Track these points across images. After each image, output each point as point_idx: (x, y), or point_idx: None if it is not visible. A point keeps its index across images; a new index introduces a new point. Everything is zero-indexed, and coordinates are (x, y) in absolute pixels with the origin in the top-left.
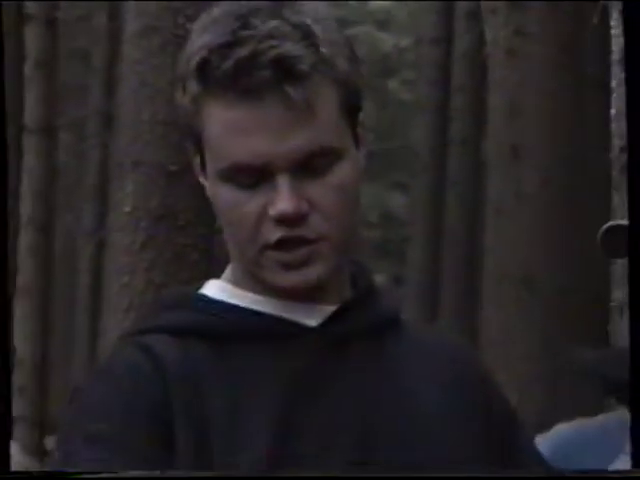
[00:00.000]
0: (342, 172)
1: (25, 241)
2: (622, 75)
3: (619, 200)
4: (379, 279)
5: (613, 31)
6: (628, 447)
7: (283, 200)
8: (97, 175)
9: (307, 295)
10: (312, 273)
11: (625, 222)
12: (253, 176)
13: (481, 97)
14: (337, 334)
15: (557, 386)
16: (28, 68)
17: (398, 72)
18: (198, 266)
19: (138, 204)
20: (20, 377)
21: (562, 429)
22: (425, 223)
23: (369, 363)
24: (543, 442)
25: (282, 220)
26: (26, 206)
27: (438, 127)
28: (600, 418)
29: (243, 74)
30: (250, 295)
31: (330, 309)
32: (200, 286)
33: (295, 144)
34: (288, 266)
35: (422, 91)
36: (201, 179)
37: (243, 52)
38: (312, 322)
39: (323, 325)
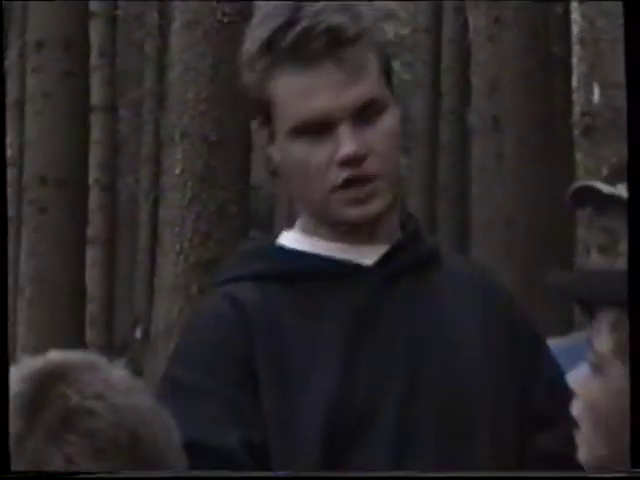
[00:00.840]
0: (389, 120)
1: (93, 199)
2: (581, 53)
3: (580, 156)
4: None
5: (573, 16)
6: (589, 355)
7: (346, 145)
8: (152, 145)
9: (368, 230)
10: (373, 207)
11: (587, 183)
12: (318, 130)
13: (466, 76)
14: (389, 271)
15: (534, 307)
16: (94, 57)
17: (399, 56)
18: (236, 218)
19: (186, 167)
20: (91, 311)
21: (552, 343)
22: (422, 179)
23: (418, 297)
24: None
25: (347, 162)
26: (94, 171)
27: (432, 101)
28: (572, 335)
29: (302, 46)
30: (318, 242)
31: (384, 249)
32: (276, 238)
33: (351, 97)
34: (353, 202)
35: (418, 71)
36: (268, 150)
37: (299, 28)
38: (369, 261)
39: (379, 264)
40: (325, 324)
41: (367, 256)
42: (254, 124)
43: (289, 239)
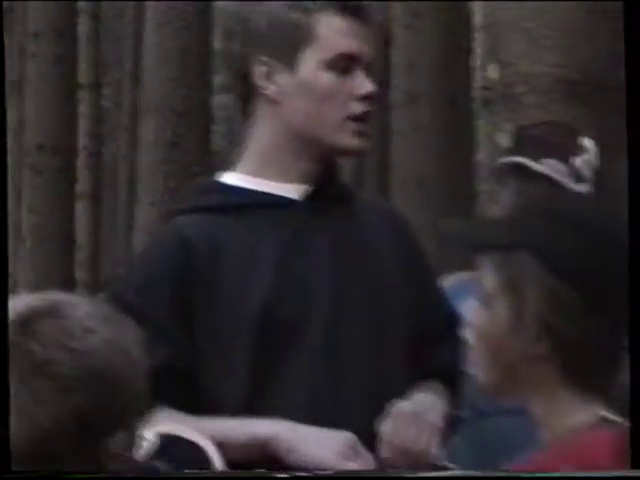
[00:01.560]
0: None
1: (82, 162)
2: (481, 37)
3: (481, 123)
4: None
5: (476, 7)
6: (477, 291)
7: (368, 84)
8: (130, 117)
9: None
10: (366, 144)
11: (516, 159)
12: (344, 67)
13: (388, 58)
14: (317, 204)
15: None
16: (81, 45)
17: None
18: (199, 177)
19: (158, 135)
20: (79, 256)
21: (448, 281)
22: None
23: (341, 227)
24: None
25: (368, 97)
26: (82, 139)
27: None
28: (458, 275)
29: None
30: (259, 181)
31: (313, 187)
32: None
33: (370, 49)
34: (358, 134)
35: None
36: (273, 87)
37: None
38: (299, 196)
39: (308, 198)
40: (261, 248)
41: (298, 192)
42: (262, 62)
43: (233, 178)
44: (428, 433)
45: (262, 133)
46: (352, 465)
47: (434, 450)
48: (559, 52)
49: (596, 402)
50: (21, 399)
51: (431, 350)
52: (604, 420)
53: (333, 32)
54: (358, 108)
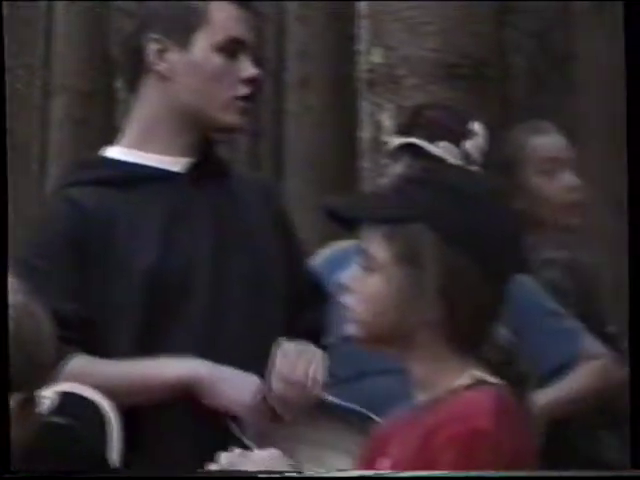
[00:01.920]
0: None
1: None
2: (368, 27)
3: (365, 104)
4: None
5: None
6: (360, 259)
7: (253, 68)
8: (40, 96)
9: (193, 147)
10: (245, 120)
11: (411, 140)
12: (232, 51)
13: (282, 46)
14: (196, 176)
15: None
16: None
17: None
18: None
19: (69, 111)
20: None
21: (325, 251)
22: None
23: (219, 198)
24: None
25: (252, 80)
26: None
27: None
28: (332, 246)
29: None
30: (142, 154)
31: (193, 161)
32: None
33: (254, 37)
34: (241, 112)
35: None
36: (164, 64)
37: None
38: (180, 169)
39: (189, 171)
40: (146, 218)
41: (180, 165)
42: (155, 40)
43: (115, 152)
44: (315, 365)
45: (147, 107)
46: (261, 407)
47: (320, 382)
48: (437, 37)
49: (474, 364)
50: None
51: (301, 312)
52: (480, 381)
53: (225, 17)
54: (242, 89)
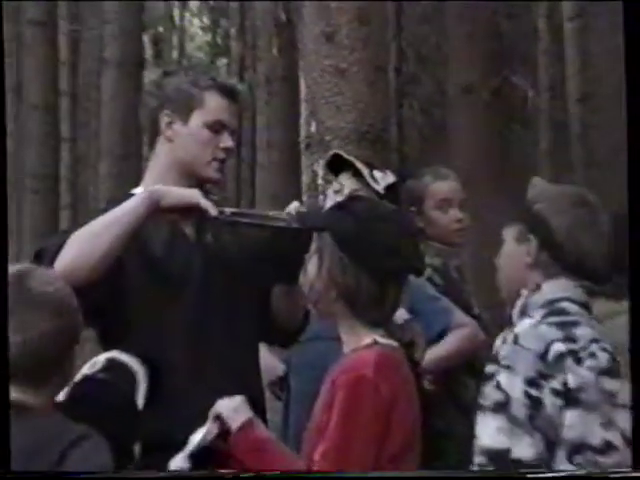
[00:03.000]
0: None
1: None
2: (306, 106)
3: (304, 160)
4: None
5: (302, 84)
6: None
7: (230, 142)
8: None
9: (201, 185)
10: (223, 176)
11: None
12: (217, 129)
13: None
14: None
15: None
16: None
17: None
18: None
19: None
20: None
21: None
22: None
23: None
24: None
25: (228, 149)
26: None
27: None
28: None
29: (228, 86)
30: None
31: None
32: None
33: (236, 123)
34: (218, 170)
35: None
36: (172, 131)
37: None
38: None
39: None
40: (160, 232)
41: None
42: (166, 115)
43: (139, 191)
44: None
45: (158, 160)
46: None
47: None
48: (353, 113)
49: (375, 331)
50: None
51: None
52: (376, 342)
53: (214, 105)
54: (220, 154)
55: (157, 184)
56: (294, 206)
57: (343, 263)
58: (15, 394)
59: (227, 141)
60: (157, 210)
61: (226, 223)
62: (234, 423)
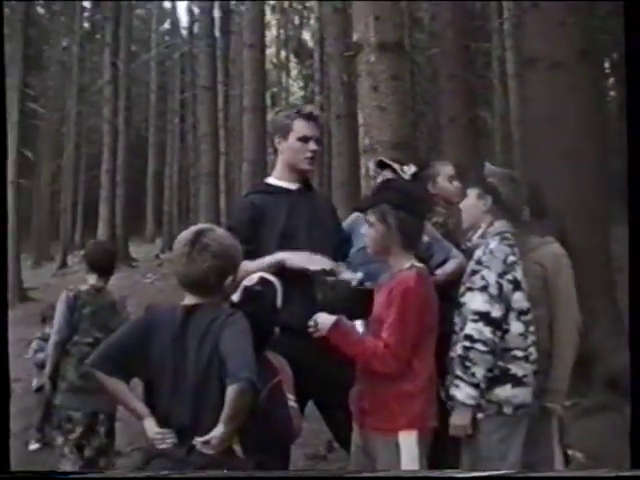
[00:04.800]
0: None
1: None
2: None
3: (362, 164)
4: None
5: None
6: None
7: (315, 147)
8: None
9: (299, 178)
10: (313, 168)
11: (384, 159)
12: (306, 140)
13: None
14: (302, 192)
15: None
16: None
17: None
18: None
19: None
20: None
21: (347, 220)
22: None
23: (313, 203)
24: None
25: (314, 151)
26: None
27: None
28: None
29: (308, 114)
30: (275, 180)
31: (301, 184)
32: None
33: (318, 133)
34: (310, 165)
35: None
36: (282, 145)
37: (308, 110)
38: (295, 188)
39: (298, 189)
40: (281, 209)
41: (294, 185)
42: (277, 137)
43: (270, 180)
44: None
45: (279, 161)
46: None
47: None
48: (390, 132)
49: (414, 259)
50: (195, 265)
51: (341, 249)
52: (413, 266)
53: (299, 126)
54: (309, 154)
55: (280, 176)
56: (355, 215)
57: (401, 217)
58: (191, 299)
59: (312, 146)
60: (283, 267)
61: (322, 282)
62: (331, 319)
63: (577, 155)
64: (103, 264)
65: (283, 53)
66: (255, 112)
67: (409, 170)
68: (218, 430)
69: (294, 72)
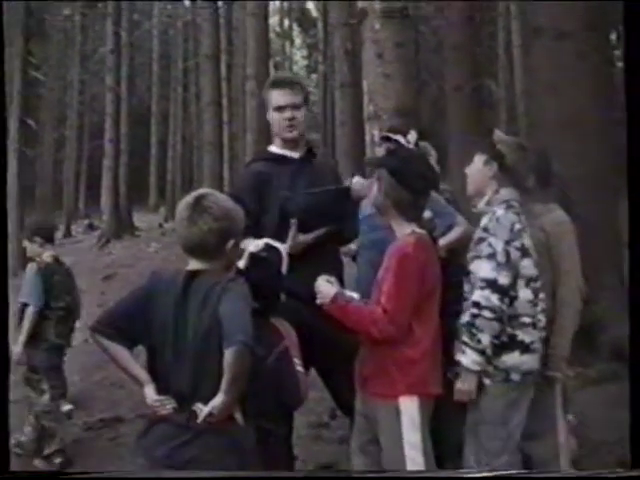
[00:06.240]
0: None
1: None
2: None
3: (367, 127)
4: None
5: None
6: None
7: (289, 114)
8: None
9: (294, 145)
10: (295, 134)
11: (387, 134)
12: (282, 109)
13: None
14: (303, 159)
15: None
16: None
17: None
18: None
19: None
20: None
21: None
22: None
23: (316, 168)
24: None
25: (292, 118)
26: None
27: None
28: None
29: (283, 82)
30: (276, 148)
31: (302, 151)
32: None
33: (297, 100)
34: (290, 132)
35: None
36: (268, 116)
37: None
38: (297, 156)
39: (300, 157)
40: (284, 175)
41: (296, 154)
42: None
43: (272, 148)
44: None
45: (273, 132)
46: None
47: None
48: (394, 99)
49: (414, 224)
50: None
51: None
52: (414, 232)
53: (275, 96)
54: (287, 123)
55: (281, 145)
56: (357, 179)
57: (393, 185)
58: (194, 265)
59: (287, 114)
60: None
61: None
62: (330, 292)
63: (582, 126)
64: (52, 235)
65: (286, 22)
66: (258, 81)
67: (412, 138)
68: (218, 399)
69: (297, 41)
